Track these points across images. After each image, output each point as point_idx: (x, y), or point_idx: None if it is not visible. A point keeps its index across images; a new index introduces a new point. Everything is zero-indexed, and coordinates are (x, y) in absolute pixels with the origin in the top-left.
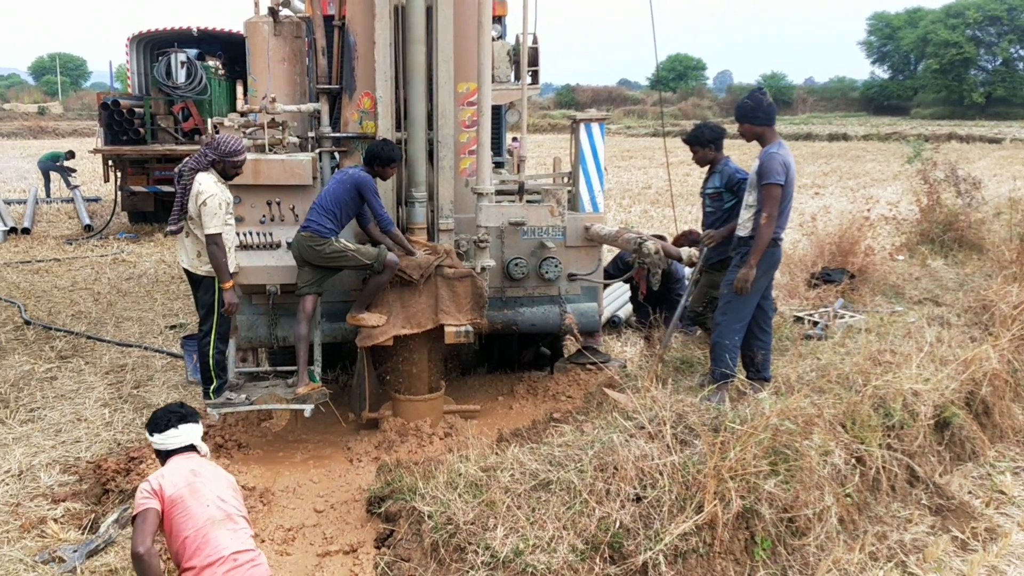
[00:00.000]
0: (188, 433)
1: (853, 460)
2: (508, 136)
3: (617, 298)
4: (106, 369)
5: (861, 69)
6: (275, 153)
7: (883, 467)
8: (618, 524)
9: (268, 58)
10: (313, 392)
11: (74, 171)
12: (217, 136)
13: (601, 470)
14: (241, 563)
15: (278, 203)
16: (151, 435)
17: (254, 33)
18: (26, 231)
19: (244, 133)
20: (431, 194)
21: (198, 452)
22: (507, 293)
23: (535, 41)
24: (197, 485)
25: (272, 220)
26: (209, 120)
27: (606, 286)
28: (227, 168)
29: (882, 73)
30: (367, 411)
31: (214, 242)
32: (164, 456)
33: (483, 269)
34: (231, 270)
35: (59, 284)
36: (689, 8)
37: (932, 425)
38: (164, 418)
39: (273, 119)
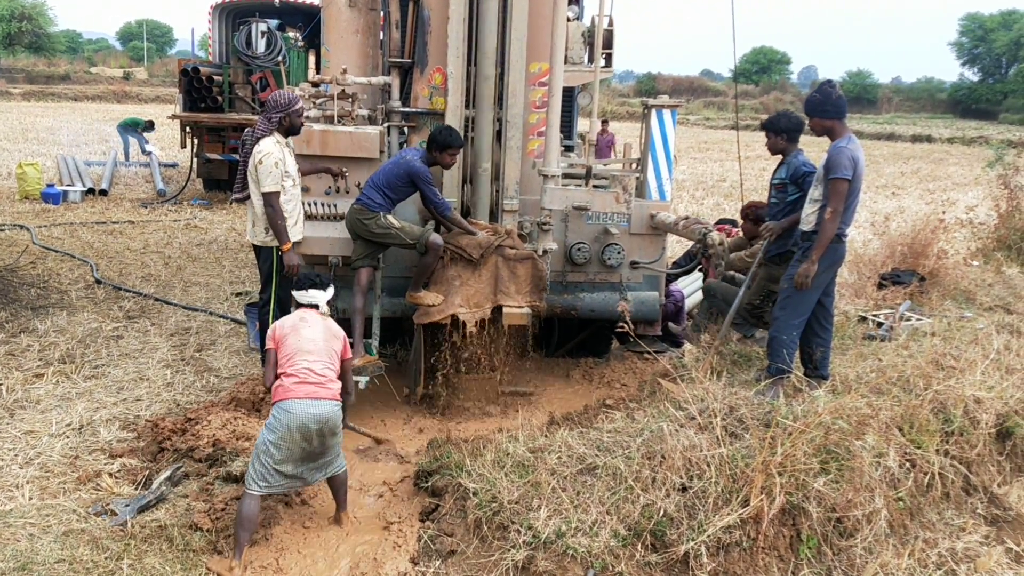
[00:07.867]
0: (314, 296)
1: (907, 464)
2: (598, 123)
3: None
4: (171, 331)
5: (950, 70)
6: (343, 125)
7: (939, 473)
8: (662, 512)
9: (342, 29)
10: (368, 365)
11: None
12: (269, 98)
13: (649, 458)
14: (308, 380)
15: (344, 174)
16: (294, 291)
17: (330, 3)
18: (103, 192)
19: (314, 103)
20: (496, 174)
21: (318, 309)
22: (568, 277)
23: (611, 23)
24: (300, 327)
25: (337, 192)
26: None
27: (670, 276)
28: (293, 120)
29: (972, 75)
30: (421, 387)
31: (269, 203)
32: (296, 306)
33: (545, 252)
34: (296, 238)
35: (131, 246)
36: (775, 0)
37: (993, 434)
38: (304, 281)
39: (344, 91)
